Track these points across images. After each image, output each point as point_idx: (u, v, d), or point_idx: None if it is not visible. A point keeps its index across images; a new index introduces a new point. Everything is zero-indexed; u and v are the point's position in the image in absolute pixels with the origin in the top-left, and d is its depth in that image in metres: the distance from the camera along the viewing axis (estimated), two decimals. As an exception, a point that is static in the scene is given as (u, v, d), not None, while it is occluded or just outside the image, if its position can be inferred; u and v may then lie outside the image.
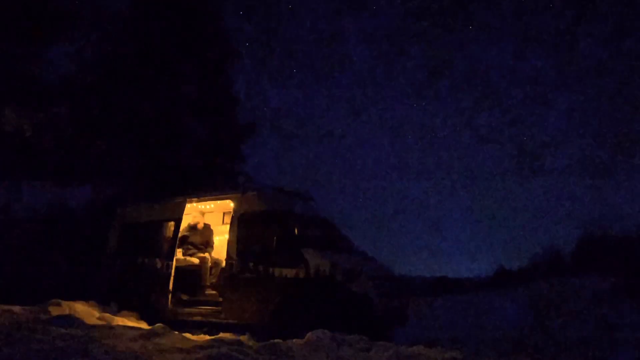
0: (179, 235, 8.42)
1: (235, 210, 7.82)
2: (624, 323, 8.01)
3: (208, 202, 8.77)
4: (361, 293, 6.44)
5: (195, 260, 8.34)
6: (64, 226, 10.48)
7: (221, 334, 6.83)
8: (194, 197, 8.58)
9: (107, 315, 7.45)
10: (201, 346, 5.00)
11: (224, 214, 9.39)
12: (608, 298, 9.98)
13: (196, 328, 7.34)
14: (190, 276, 8.20)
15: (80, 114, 11.55)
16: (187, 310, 7.88)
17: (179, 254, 8.48)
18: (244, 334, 6.70)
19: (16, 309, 6.73)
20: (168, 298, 7.94)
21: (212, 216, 9.47)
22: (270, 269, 7.00)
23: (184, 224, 8.72)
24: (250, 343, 5.79)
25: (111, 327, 6.26)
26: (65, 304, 7.24)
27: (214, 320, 7.43)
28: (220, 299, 7.61)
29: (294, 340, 5.57)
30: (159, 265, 8.24)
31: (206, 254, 8.42)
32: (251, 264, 7.22)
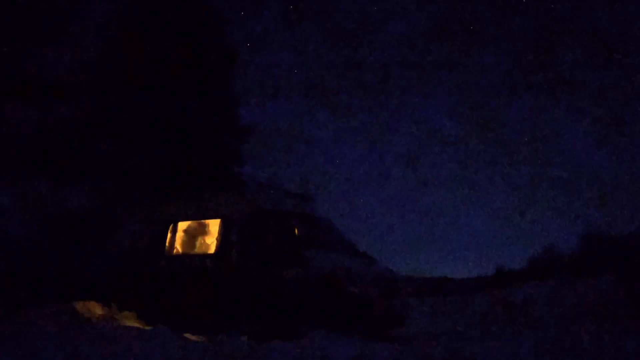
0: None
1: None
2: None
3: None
4: (361, 293, 6.45)
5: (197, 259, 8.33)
6: (64, 225, 10.46)
7: (221, 334, 6.83)
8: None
9: (108, 315, 7.46)
10: (201, 346, 5.01)
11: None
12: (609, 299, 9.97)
13: (196, 328, 7.33)
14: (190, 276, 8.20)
15: (81, 114, 11.53)
16: (187, 310, 7.88)
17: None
18: (244, 334, 6.71)
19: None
20: (168, 298, 7.94)
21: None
22: (270, 269, 7.00)
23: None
24: (250, 343, 5.80)
25: (111, 327, 6.28)
26: (65, 303, 7.26)
27: (214, 320, 7.43)
28: (221, 299, 7.60)
29: (294, 340, 5.57)
30: (160, 265, 8.24)
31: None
32: (251, 264, 7.22)
